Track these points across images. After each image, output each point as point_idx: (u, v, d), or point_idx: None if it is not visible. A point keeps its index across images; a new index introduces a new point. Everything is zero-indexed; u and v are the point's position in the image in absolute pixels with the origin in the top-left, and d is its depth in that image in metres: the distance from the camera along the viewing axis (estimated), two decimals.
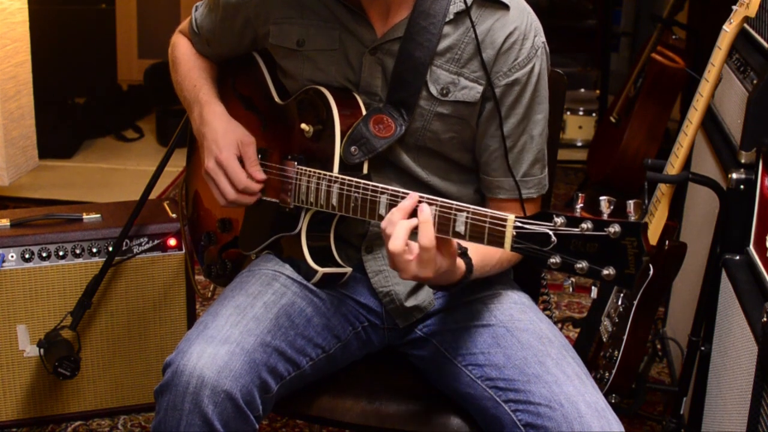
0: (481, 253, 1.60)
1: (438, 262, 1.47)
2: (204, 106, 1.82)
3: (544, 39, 1.72)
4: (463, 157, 1.78)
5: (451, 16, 1.67)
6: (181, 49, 1.95)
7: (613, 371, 2.02)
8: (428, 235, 1.44)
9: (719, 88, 2.16)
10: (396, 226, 1.46)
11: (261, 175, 1.75)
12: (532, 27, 1.69)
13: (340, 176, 1.64)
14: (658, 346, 2.57)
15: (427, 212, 1.45)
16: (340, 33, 1.72)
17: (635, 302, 2.00)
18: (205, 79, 1.89)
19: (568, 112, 4.82)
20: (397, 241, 1.45)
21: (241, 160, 1.76)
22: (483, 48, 1.67)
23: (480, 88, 1.69)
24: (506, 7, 1.68)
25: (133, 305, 2.48)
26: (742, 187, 1.96)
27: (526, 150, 1.73)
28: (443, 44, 1.68)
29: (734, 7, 1.87)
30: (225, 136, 1.76)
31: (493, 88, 1.68)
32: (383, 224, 1.48)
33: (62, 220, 2.46)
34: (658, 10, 4.68)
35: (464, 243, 1.51)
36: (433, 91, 1.69)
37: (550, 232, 1.34)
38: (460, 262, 1.55)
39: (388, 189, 1.56)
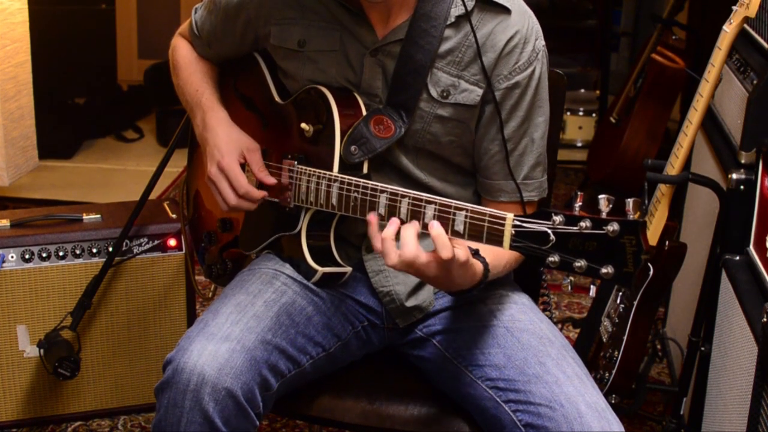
0: (492, 254, 1.60)
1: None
2: (207, 111, 1.82)
3: (544, 42, 1.72)
4: (463, 160, 1.78)
5: (453, 19, 1.67)
6: (182, 52, 1.95)
7: (613, 371, 2.02)
8: (446, 245, 1.42)
9: (719, 88, 2.16)
10: (404, 234, 1.44)
11: (270, 180, 1.75)
12: (533, 31, 1.70)
13: (340, 176, 1.64)
14: (658, 347, 2.57)
15: (438, 227, 1.43)
16: (341, 34, 1.72)
17: (635, 302, 2.00)
18: (207, 83, 1.89)
19: (568, 113, 4.82)
20: (409, 248, 1.43)
21: (244, 167, 1.76)
22: (484, 51, 1.67)
23: (480, 91, 1.69)
24: (507, 10, 1.68)
25: (133, 306, 2.48)
26: (742, 187, 1.96)
27: (527, 153, 1.73)
28: (444, 47, 1.68)
29: (734, 8, 1.87)
30: (228, 143, 1.77)
31: (493, 91, 1.68)
32: (378, 248, 1.46)
33: (62, 220, 2.46)
34: (658, 10, 4.68)
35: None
36: (434, 93, 1.69)
37: (549, 231, 1.34)
38: (476, 262, 1.54)
39: (387, 188, 1.56)
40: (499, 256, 1.63)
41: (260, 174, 1.75)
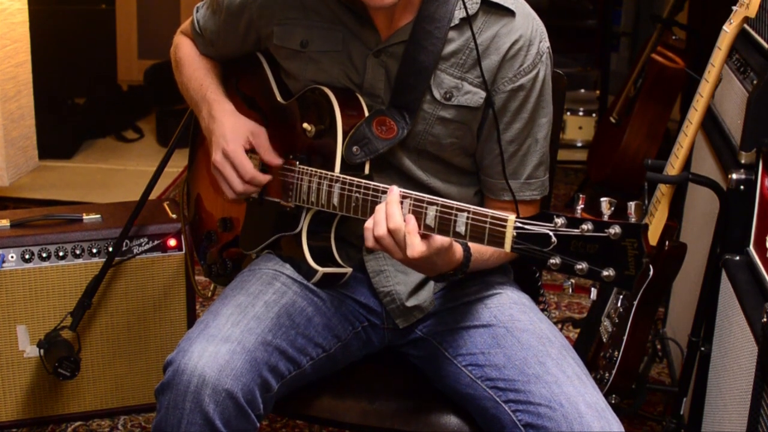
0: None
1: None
2: (212, 104, 1.83)
3: (548, 44, 1.72)
4: (463, 161, 1.78)
5: (457, 21, 1.67)
6: (185, 50, 1.95)
7: (613, 371, 2.02)
8: (412, 245, 1.48)
9: (719, 88, 2.16)
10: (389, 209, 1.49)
11: (277, 161, 1.76)
12: (537, 33, 1.70)
13: (341, 176, 1.64)
14: (658, 347, 2.57)
15: (413, 224, 1.48)
16: (343, 35, 1.72)
17: (635, 303, 2.00)
18: (211, 78, 1.90)
19: (568, 113, 4.82)
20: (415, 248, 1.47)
21: (251, 153, 1.76)
22: (488, 54, 1.67)
23: (483, 94, 1.69)
24: (512, 13, 1.68)
25: (133, 306, 2.48)
26: (742, 187, 1.96)
27: (530, 153, 1.74)
28: (448, 49, 1.68)
29: (734, 8, 1.87)
30: (233, 131, 1.77)
31: (493, 96, 1.68)
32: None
33: (62, 220, 2.46)
34: (658, 10, 4.68)
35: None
36: (437, 95, 1.69)
37: (551, 233, 1.34)
38: (457, 246, 1.56)
39: (388, 189, 1.56)
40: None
41: (266, 156, 1.76)
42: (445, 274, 1.59)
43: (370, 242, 1.51)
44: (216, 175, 1.79)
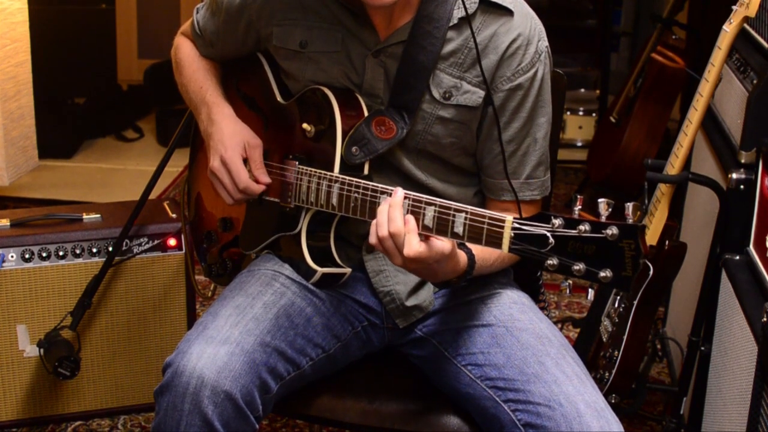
0: (480, 247, 1.60)
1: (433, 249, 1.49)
2: (212, 107, 1.83)
3: (547, 43, 1.72)
4: (463, 161, 1.78)
5: (455, 21, 1.67)
6: (185, 51, 1.95)
7: (613, 371, 2.02)
8: (409, 243, 1.47)
9: (719, 88, 2.16)
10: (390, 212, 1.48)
11: (265, 179, 1.76)
12: (535, 32, 1.70)
13: (341, 176, 1.64)
14: (658, 346, 2.57)
15: (412, 222, 1.48)
16: (342, 35, 1.72)
17: (635, 302, 2.00)
18: (211, 80, 1.90)
19: (568, 112, 4.82)
20: (412, 246, 1.47)
21: (246, 162, 1.76)
22: (486, 53, 1.67)
23: (482, 93, 1.69)
24: (510, 12, 1.68)
25: (133, 305, 2.48)
26: (742, 187, 1.96)
27: (529, 153, 1.74)
28: (447, 48, 1.68)
29: (734, 7, 1.87)
30: (232, 137, 1.77)
31: (492, 95, 1.68)
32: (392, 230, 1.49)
33: (62, 220, 2.46)
34: (658, 10, 4.68)
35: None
36: (436, 94, 1.69)
37: (548, 234, 1.34)
38: (461, 253, 1.56)
39: (388, 189, 1.56)
40: (486, 250, 1.63)
41: (257, 171, 1.76)
42: (448, 280, 1.59)
43: (374, 239, 1.51)
44: (213, 181, 1.79)
